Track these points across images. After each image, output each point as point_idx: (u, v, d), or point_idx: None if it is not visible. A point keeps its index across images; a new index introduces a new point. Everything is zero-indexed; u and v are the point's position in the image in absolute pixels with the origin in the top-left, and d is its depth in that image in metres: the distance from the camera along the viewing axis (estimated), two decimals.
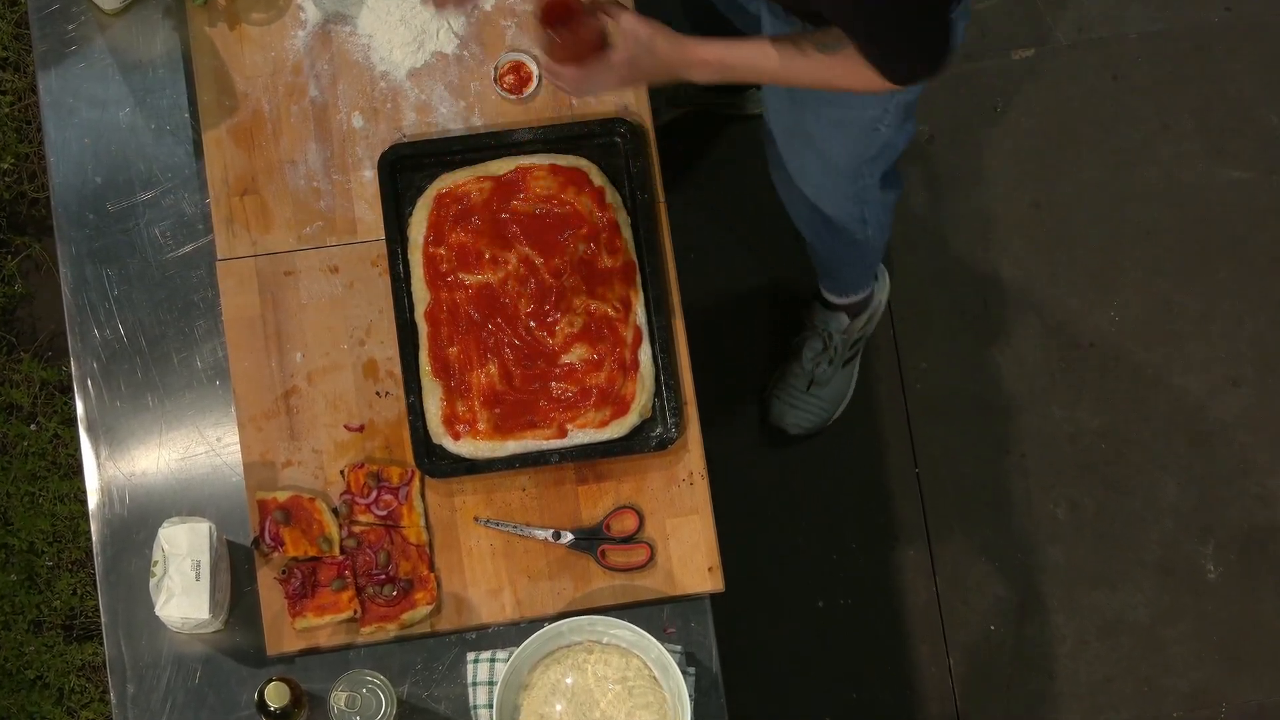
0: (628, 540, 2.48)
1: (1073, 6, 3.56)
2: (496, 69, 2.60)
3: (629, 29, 2.26)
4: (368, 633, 2.43)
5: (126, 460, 2.49)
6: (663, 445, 2.49)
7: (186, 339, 2.52)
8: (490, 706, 2.42)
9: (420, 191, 2.55)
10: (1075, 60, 3.54)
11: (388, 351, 2.51)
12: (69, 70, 2.59)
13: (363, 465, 2.47)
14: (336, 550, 2.44)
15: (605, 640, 2.42)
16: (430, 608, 2.44)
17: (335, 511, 2.46)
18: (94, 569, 2.49)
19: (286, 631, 2.42)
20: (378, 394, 2.50)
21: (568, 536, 2.47)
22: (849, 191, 2.80)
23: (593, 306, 2.51)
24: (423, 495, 2.48)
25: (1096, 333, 3.44)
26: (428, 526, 2.47)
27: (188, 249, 2.55)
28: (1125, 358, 3.43)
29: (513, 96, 2.59)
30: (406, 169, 2.55)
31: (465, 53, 2.61)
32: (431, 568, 2.45)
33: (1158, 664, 3.32)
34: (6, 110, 3.38)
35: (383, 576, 2.44)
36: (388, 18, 2.59)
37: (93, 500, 2.48)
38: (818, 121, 2.62)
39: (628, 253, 2.53)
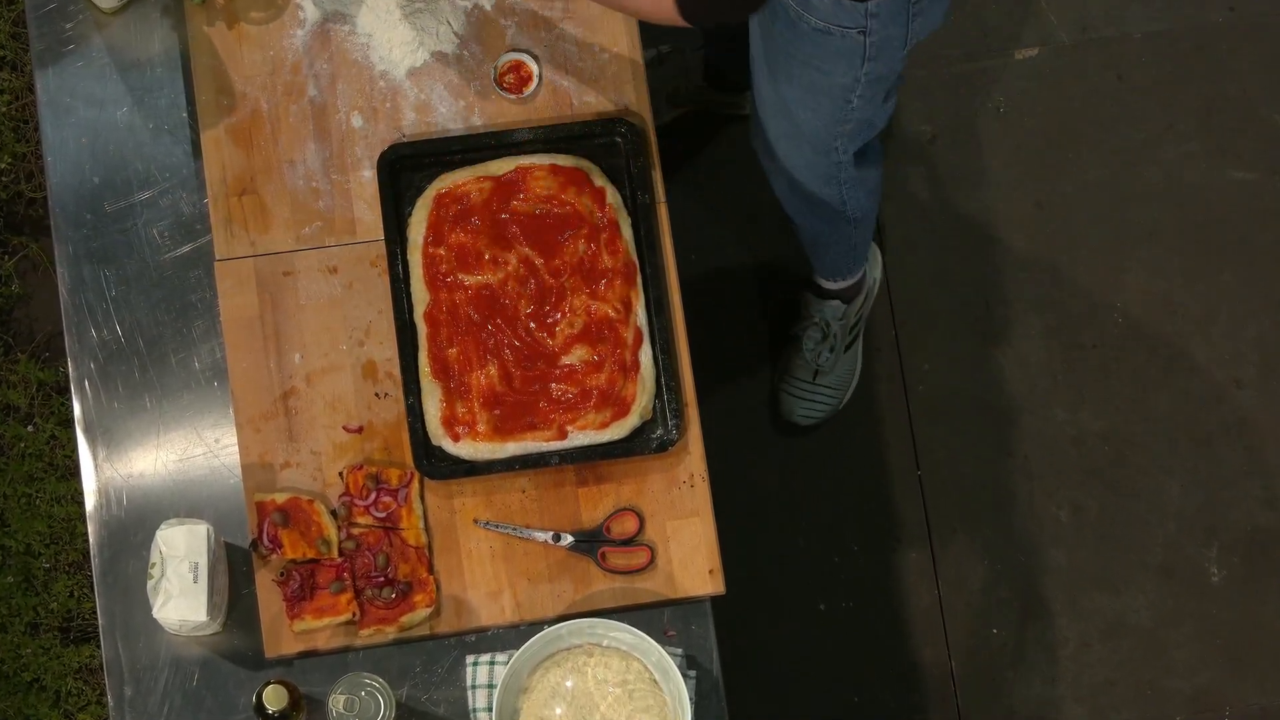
0: (628, 543, 2.47)
1: (1075, 6, 3.56)
2: (496, 69, 2.59)
3: None
4: (366, 635, 2.42)
5: (124, 462, 2.48)
6: (663, 447, 2.48)
7: (184, 340, 2.52)
8: (490, 709, 2.41)
9: (420, 192, 2.54)
10: (1078, 60, 3.54)
11: (387, 352, 2.50)
12: (66, 69, 2.58)
13: (361, 467, 2.46)
14: (335, 552, 2.43)
15: (605, 643, 2.41)
16: (429, 610, 2.43)
17: (334, 513, 2.46)
18: (91, 571, 2.48)
19: (285, 634, 2.42)
20: (377, 395, 2.49)
21: (568, 539, 2.46)
22: (823, 166, 2.79)
23: (593, 307, 2.50)
24: (422, 497, 2.47)
25: (1099, 334, 3.44)
26: (427, 528, 2.46)
27: (186, 249, 2.55)
28: (1128, 359, 3.43)
29: (513, 96, 2.59)
30: (406, 169, 2.55)
31: (465, 52, 2.60)
32: (431, 570, 2.44)
33: (1160, 667, 3.32)
34: (3, 110, 3.38)
35: (381, 579, 2.43)
36: (387, 17, 2.58)
37: (90, 502, 2.48)
38: (791, 86, 2.62)
39: (628, 253, 2.52)
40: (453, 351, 2.48)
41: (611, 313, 2.50)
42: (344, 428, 2.48)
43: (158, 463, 2.48)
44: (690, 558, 2.48)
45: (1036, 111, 3.52)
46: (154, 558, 2.34)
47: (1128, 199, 3.49)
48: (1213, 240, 3.48)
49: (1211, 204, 3.49)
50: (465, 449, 2.46)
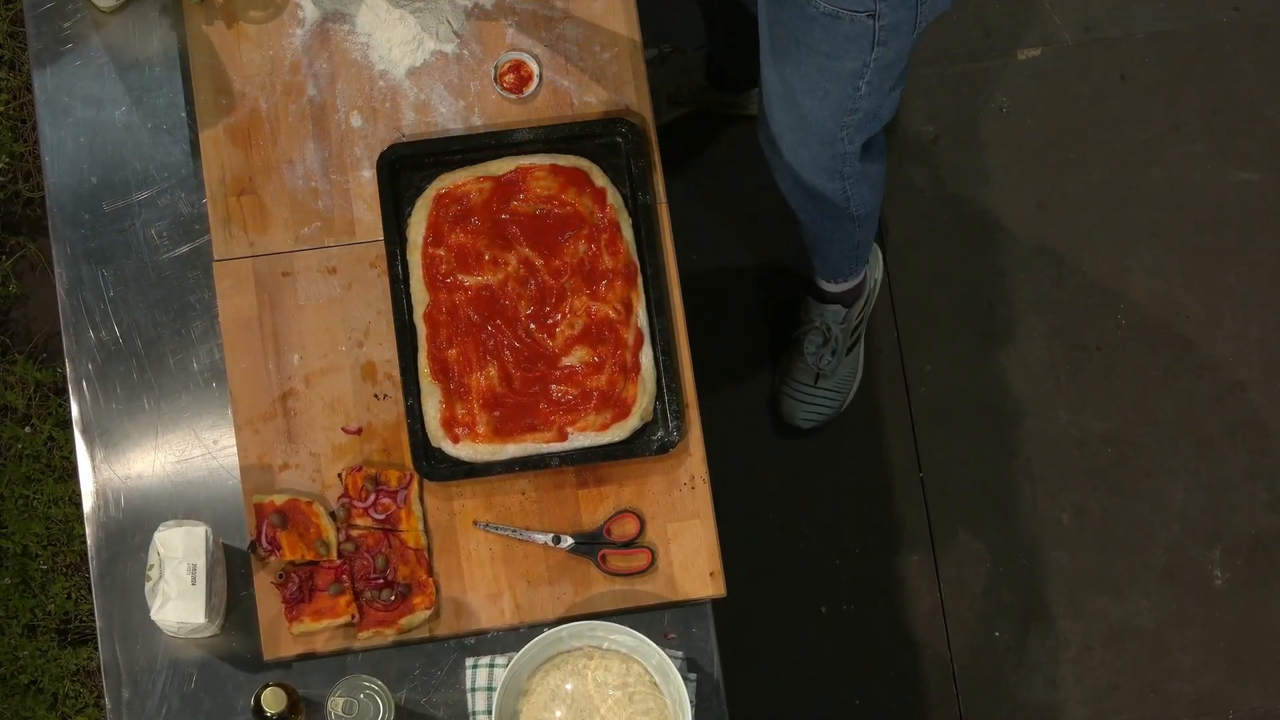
0: (628, 545, 2.47)
1: (1079, 6, 3.55)
2: (496, 68, 2.58)
3: None
4: (365, 638, 2.42)
5: (122, 463, 2.48)
6: (664, 449, 2.48)
7: (183, 340, 2.51)
8: (489, 712, 2.40)
9: (419, 192, 2.54)
10: (1082, 60, 3.54)
11: (386, 353, 2.50)
12: (64, 68, 2.58)
13: (361, 468, 2.46)
14: (334, 554, 2.43)
15: (605, 646, 2.41)
16: (429, 612, 2.43)
17: (333, 515, 2.45)
18: (89, 573, 2.49)
19: (283, 636, 2.41)
20: (376, 396, 2.49)
21: (568, 541, 2.46)
22: (828, 159, 2.78)
23: (593, 308, 2.50)
24: (421, 499, 2.46)
25: (1102, 335, 3.43)
26: (426, 530, 2.46)
27: (184, 249, 2.54)
28: (1131, 361, 3.43)
29: (513, 96, 2.58)
30: (405, 169, 2.54)
31: (465, 52, 2.60)
32: (430, 572, 2.44)
33: (1164, 670, 3.32)
34: (1, 109, 3.37)
35: (381, 581, 2.43)
36: (387, 16, 2.58)
37: (88, 503, 2.47)
38: (798, 74, 2.61)
39: (629, 254, 2.52)
40: (452, 353, 2.48)
41: (612, 314, 2.50)
42: (343, 429, 2.48)
43: (156, 464, 2.48)
44: (691, 560, 2.47)
45: (1039, 112, 3.52)
46: (152, 559, 2.34)
47: (1131, 199, 3.49)
48: (1216, 241, 3.48)
49: (1215, 205, 3.49)
50: (465, 450, 2.46)
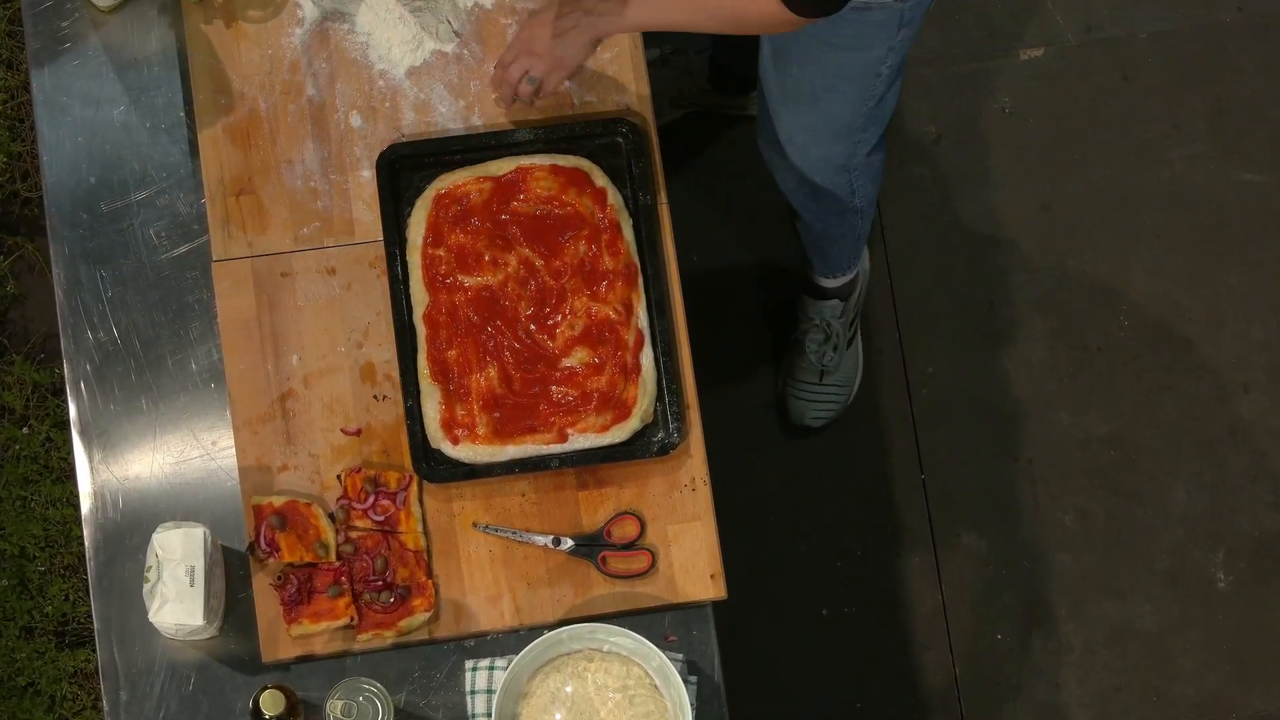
0: (629, 547, 2.46)
1: (1081, 6, 3.56)
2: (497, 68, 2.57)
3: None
4: (364, 640, 2.42)
5: (120, 464, 2.47)
6: (664, 450, 2.47)
7: (181, 341, 2.51)
8: (489, 715, 2.40)
9: (419, 192, 2.53)
10: (1084, 60, 3.54)
11: (385, 354, 2.49)
12: (62, 68, 2.57)
13: (360, 470, 2.45)
14: (333, 556, 2.42)
15: (605, 648, 2.40)
16: (428, 615, 2.42)
17: (332, 517, 2.45)
18: (86, 574, 2.48)
19: (282, 638, 2.41)
20: (375, 397, 2.48)
21: (568, 543, 2.45)
22: (839, 156, 2.78)
23: (594, 309, 2.49)
24: (421, 500, 2.46)
25: (1105, 337, 3.43)
26: (426, 532, 2.45)
27: (183, 250, 2.54)
28: (1134, 362, 3.43)
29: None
30: (405, 169, 2.54)
31: (465, 51, 2.59)
32: (429, 574, 2.43)
33: (1167, 673, 3.31)
34: None
35: (380, 583, 2.42)
36: (386, 15, 2.58)
37: (85, 505, 2.47)
38: (820, 74, 2.60)
39: (629, 255, 2.51)
40: (452, 353, 2.47)
41: (612, 314, 2.49)
42: (342, 430, 2.47)
43: (154, 465, 2.47)
44: (691, 562, 2.47)
45: (1042, 112, 3.52)
46: (150, 561, 2.33)
47: (1134, 200, 3.49)
48: (1220, 242, 3.48)
49: (1219, 206, 3.49)
50: (464, 452, 2.45)
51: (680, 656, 2.44)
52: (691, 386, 2.51)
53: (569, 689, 2.38)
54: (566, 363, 2.48)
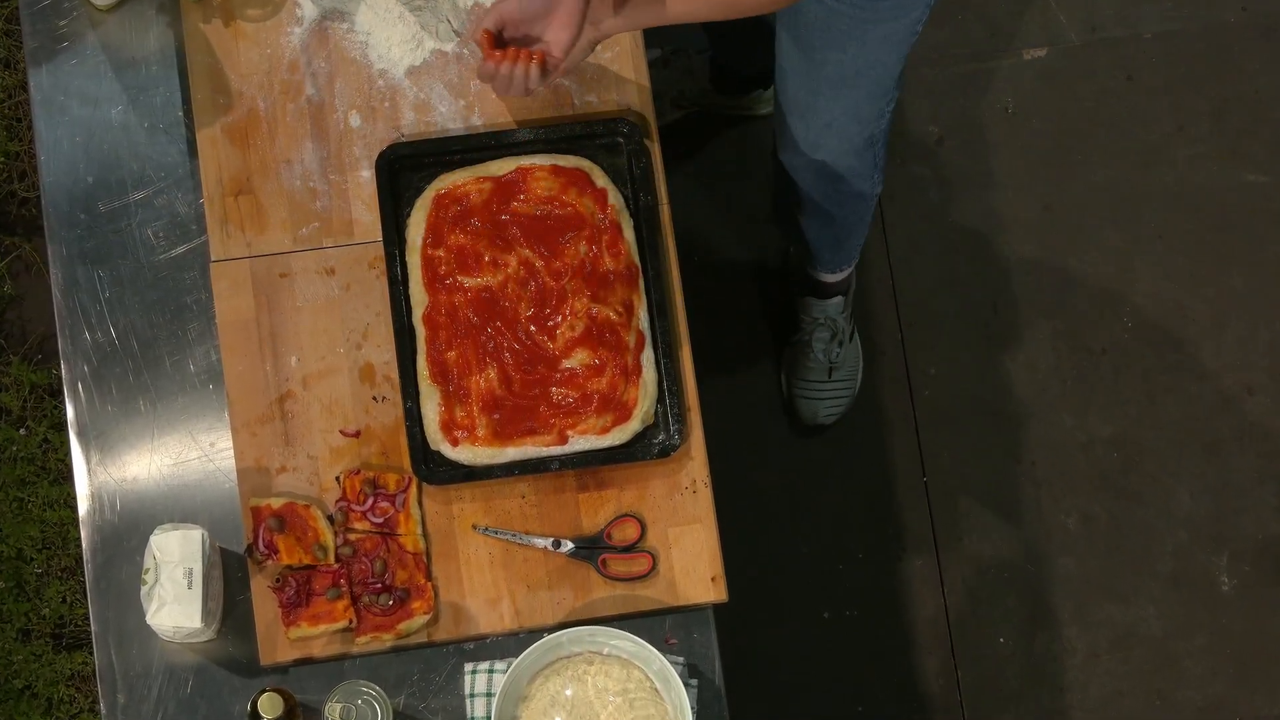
0: (629, 549, 2.46)
1: (1085, 6, 3.56)
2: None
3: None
4: (363, 643, 2.41)
5: (117, 466, 2.47)
6: (665, 452, 2.47)
7: (179, 342, 2.50)
8: (488, 718, 2.39)
9: (419, 192, 2.53)
10: (1088, 60, 3.54)
11: (385, 355, 2.49)
12: (60, 67, 2.57)
13: (359, 472, 2.45)
14: (332, 558, 2.42)
15: (606, 651, 2.40)
16: (427, 617, 2.41)
17: (330, 519, 2.44)
18: (84, 576, 2.48)
19: (280, 641, 2.40)
20: (374, 399, 2.48)
21: (568, 545, 2.44)
22: (871, 126, 2.78)
23: (594, 310, 2.48)
24: (420, 503, 2.45)
25: (1109, 338, 3.43)
26: (425, 534, 2.45)
27: (181, 250, 2.53)
28: (1138, 364, 3.43)
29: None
30: (405, 169, 2.53)
31: (465, 50, 2.59)
32: (429, 576, 2.43)
33: (1170, 677, 3.31)
34: None
35: (379, 585, 2.41)
36: (386, 15, 2.57)
37: (83, 506, 2.46)
38: (864, 51, 2.60)
39: (630, 255, 2.51)
40: (452, 355, 2.47)
41: (613, 316, 2.49)
42: (341, 432, 2.46)
43: (152, 467, 2.47)
44: (692, 565, 2.46)
45: (1045, 112, 3.51)
46: (148, 563, 2.33)
47: (1137, 201, 3.49)
48: (1224, 244, 3.48)
49: (1223, 207, 3.49)
50: (464, 454, 2.44)
51: (681, 659, 2.43)
52: (692, 388, 2.50)
53: (569, 692, 2.38)
54: (567, 364, 2.48)
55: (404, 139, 2.55)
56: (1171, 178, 3.50)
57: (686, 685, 2.38)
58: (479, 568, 2.44)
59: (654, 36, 2.66)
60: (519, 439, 2.45)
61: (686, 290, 2.53)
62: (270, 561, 2.40)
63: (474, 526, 2.45)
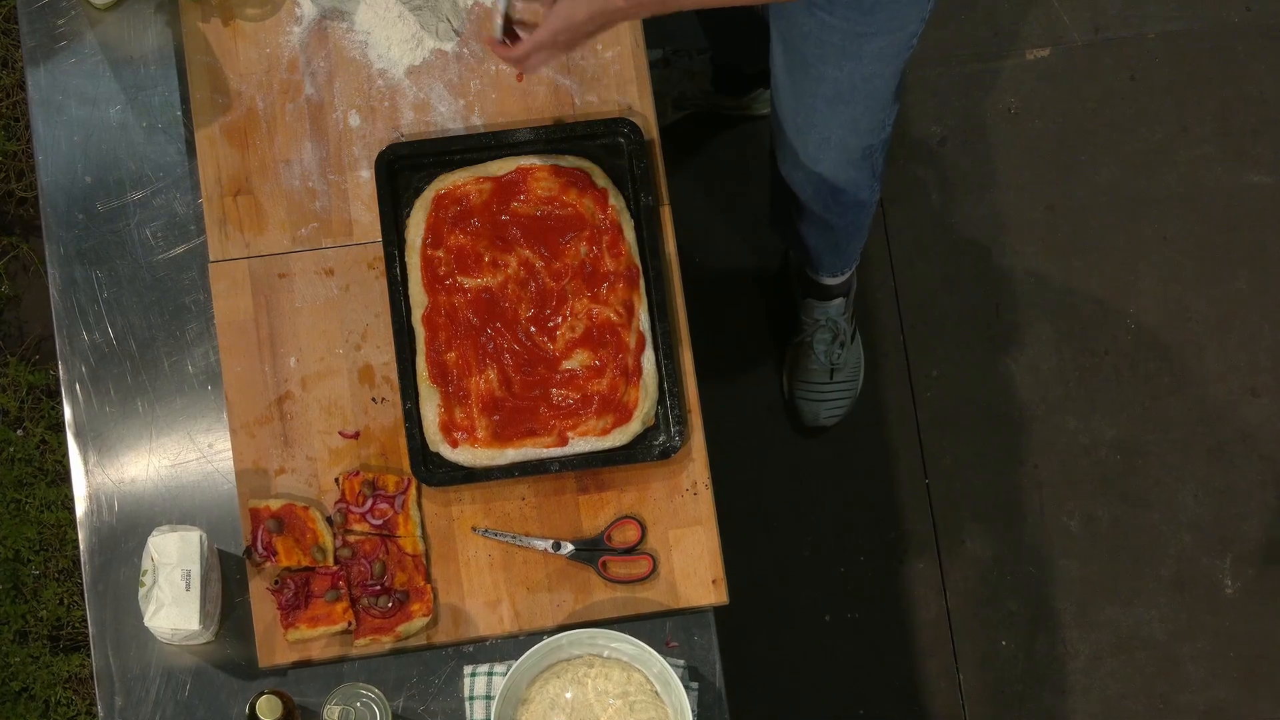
0: (629, 551, 2.45)
1: (1088, 6, 3.56)
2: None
3: None
4: (362, 645, 2.40)
5: (115, 467, 2.46)
6: (666, 454, 2.46)
7: (178, 343, 2.50)
8: None
9: (418, 193, 2.52)
10: (1092, 60, 3.53)
11: (384, 356, 2.48)
12: (58, 66, 2.56)
13: (358, 473, 2.44)
14: (330, 560, 2.41)
15: (606, 654, 2.39)
16: (426, 620, 2.41)
17: (329, 520, 2.44)
18: (81, 578, 2.47)
19: (279, 643, 2.40)
20: (374, 400, 2.47)
21: (568, 547, 2.44)
22: (869, 138, 2.76)
23: (595, 311, 2.48)
24: (419, 504, 2.45)
25: (1112, 340, 3.42)
26: (424, 536, 2.44)
27: (179, 250, 2.53)
28: (1141, 366, 3.42)
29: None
30: (404, 169, 2.53)
31: (465, 50, 2.58)
32: (428, 579, 2.42)
33: (1173, 681, 3.31)
34: None
35: (378, 587, 2.41)
36: (386, 14, 2.57)
37: (80, 508, 2.46)
38: (860, 66, 2.58)
39: (631, 256, 2.50)
40: (451, 356, 2.46)
41: (613, 317, 2.48)
42: (340, 433, 2.46)
43: (150, 468, 2.46)
44: (693, 567, 2.45)
45: (1048, 113, 3.51)
46: (146, 565, 2.32)
47: (1141, 202, 3.48)
48: (1228, 245, 3.47)
49: (1227, 208, 3.48)
50: (464, 455, 2.44)
51: (681, 662, 2.43)
52: (693, 389, 2.50)
53: (569, 695, 2.37)
54: (567, 365, 2.47)
55: (403, 139, 2.54)
56: (1175, 179, 3.49)
57: (687, 688, 2.38)
58: (478, 570, 2.43)
59: (655, 36, 2.66)
60: (519, 440, 2.44)
61: (687, 291, 2.53)
62: (269, 563, 2.39)
63: (473, 528, 2.44)
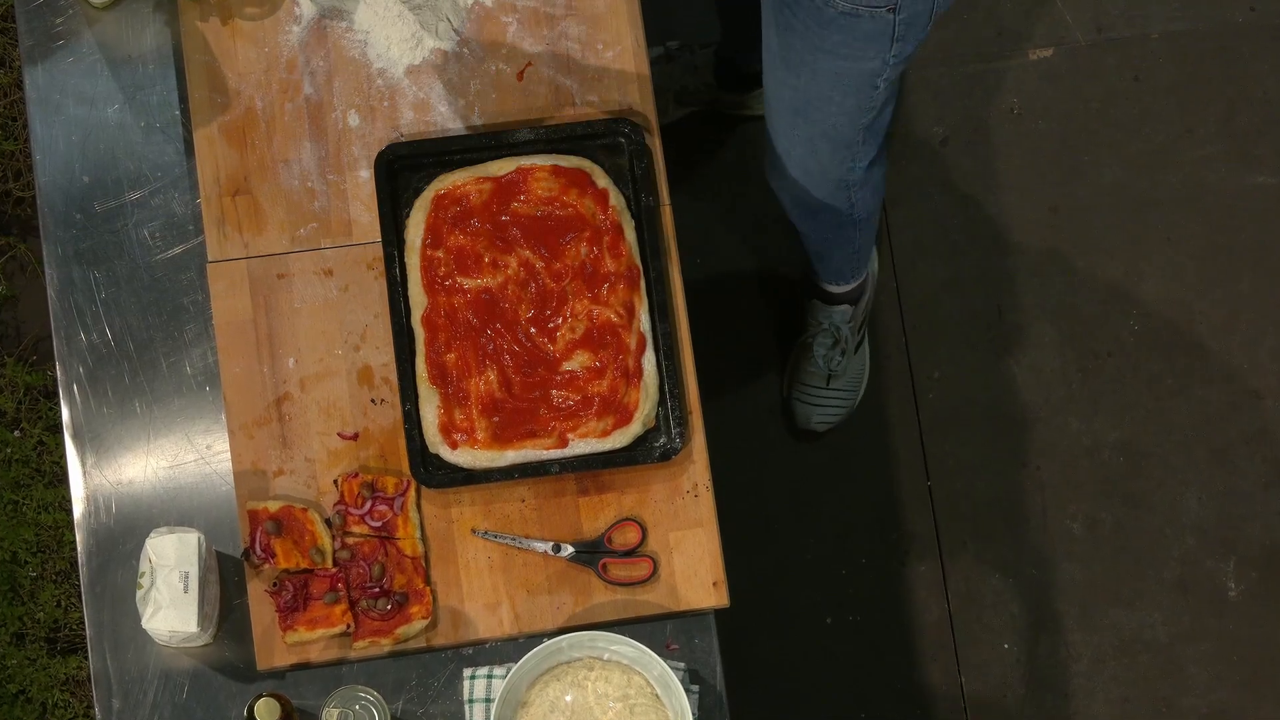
0: (630, 554, 2.45)
1: (1092, 6, 3.56)
2: None
3: None
4: (361, 647, 2.40)
5: (113, 468, 2.46)
6: (666, 456, 2.45)
7: (176, 343, 2.50)
8: None
9: (418, 193, 2.52)
10: (1095, 61, 3.53)
11: (383, 357, 2.48)
12: (56, 65, 2.56)
13: (357, 475, 2.44)
14: (329, 562, 2.41)
15: (606, 657, 2.39)
16: (425, 622, 2.41)
17: (328, 522, 2.43)
18: (79, 580, 2.46)
19: (277, 646, 2.40)
20: (373, 401, 2.47)
21: (568, 549, 2.43)
22: (837, 170, 2.77)
23: (595, 312, 2.48)
24: (418, 506, 2.44)
25: (1115, 342, 3.42)
26: (423, 538, 2.44)
27: (177, 250, 2.52)
28: (1145, 368, 3.42)
29: None
30: (404, 169, 2.52)
31: (465, 50, 2.58)
32: (427, 581, 2.42)
33: (1176, 684, 3.30)
34: None
35: (377, 590, 2.41)
36: (385, 13, 2.56)
37: (78, 509, 2.45)
38: (816, 81, 2.58)
39: (631, 257, 2.50)
40: (451, 357, 2.46)
41: (614, 318, 2.47)
42: (339, 434, 2.46)
43: (148, 469, 2.46)
44: (694, 569, 2.45)
45: (1051, 113, 3.51)
46: (143, 567, 2.32)
47: (1145, 203, 3.48)
48: (1232, 246, 3.47)
49: (1231, 209, 3.48)
50: (463, 457, 2.43)
51: (682, 665, 2.43)
52: (694, 391, 2.49)
53: (569, 698, 2.37)
54: (567, 366, 2.47)
55: (403, 139, 2.54)
56: (1179, 179, 3.49)
57: (688, 691, 2.38)
58: (478, 572, 2.43)
59: (658, 32, 2.66)
60: (519, 442, 2.44)
61: (688, 292, 2.52)
62: (267, 565, 2.39)
63: (473, 530, 2.44)
